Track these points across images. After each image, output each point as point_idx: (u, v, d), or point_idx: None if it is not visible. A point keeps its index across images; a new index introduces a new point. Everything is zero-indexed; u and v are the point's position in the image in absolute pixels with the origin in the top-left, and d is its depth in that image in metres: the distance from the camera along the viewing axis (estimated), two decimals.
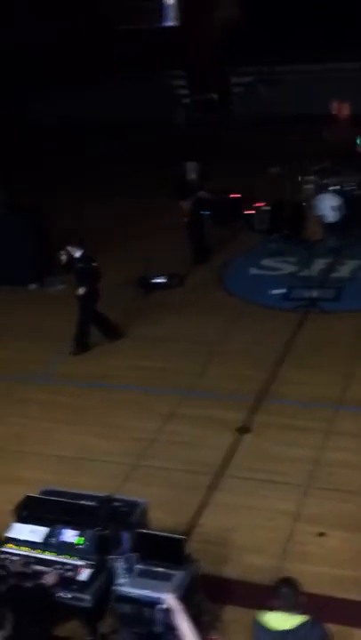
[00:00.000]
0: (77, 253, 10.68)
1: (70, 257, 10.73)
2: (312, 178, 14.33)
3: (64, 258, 10.78)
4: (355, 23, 20.26)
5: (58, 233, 14.01)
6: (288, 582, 4.96)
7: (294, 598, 4.88)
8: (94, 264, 10.75)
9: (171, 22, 23.41)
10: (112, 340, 11.09)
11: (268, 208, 14.38)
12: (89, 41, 22.43)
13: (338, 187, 14.24)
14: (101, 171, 18.98)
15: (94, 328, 11.03)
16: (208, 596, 6.13)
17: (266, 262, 13.49)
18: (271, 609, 4.89)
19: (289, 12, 20.94)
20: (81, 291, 10.66)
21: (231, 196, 15.21)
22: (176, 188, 13.45)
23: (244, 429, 8.82)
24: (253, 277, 13.09)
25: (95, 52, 22.40)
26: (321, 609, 5.06)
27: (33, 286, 13.09)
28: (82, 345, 10.94)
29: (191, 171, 13.32)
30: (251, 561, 6.83)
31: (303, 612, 4.84)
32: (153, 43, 22.60)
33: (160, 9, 23.32)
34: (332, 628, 5.10)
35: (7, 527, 6.40)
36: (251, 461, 8.26)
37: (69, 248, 10.70)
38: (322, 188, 14.22)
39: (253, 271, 13.28)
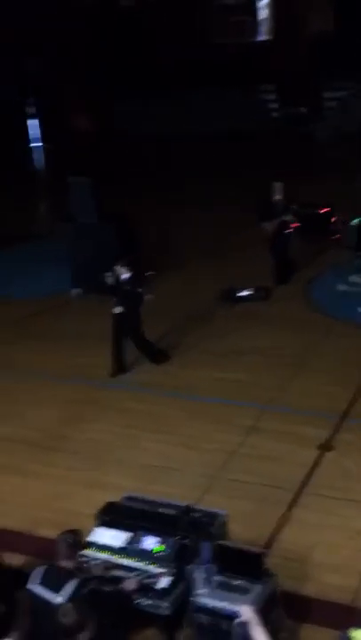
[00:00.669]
0: (125, 275, 10.41)
1: (117, 278, 10.45)
2: None
3: (110, 279, 10.47)
4: None
5: (145, 242, 14.31)
6: None
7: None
8: (140, 289, 10.51)
9: (263, 36, 23.48)
10: (114, 374, 10.69)
11: (357, 223, 14.18)
12: (180, 52, 22.75)
13: None
14: (189, 182, 19.12)
15: (111, 352, 10.67)
16: (286, 612, 6.06)
17: (354, 278, 13.30)
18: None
19: None
20: (118, 309, 10.41)
21: (320, 210, 15.09)
22: (260, 210, 13.31)
23: (326, 447, 8.69)
24: (341, 294, 12.92)
25: (186, 63, 22.70)
26: None
27: None
28: (156, 355, 10.90)
29: (276, 191, 13.16)
30: (330, 580, 6.71)
31: None
32: (244, 56, 22.74)
33: (255, 23, 23.42)
34: None
35: (89, 531, 6.49)
36: (333, 479, 8.13)
37: (117, 268, 10.43)
38: None
39: (341, 287, 13.12)
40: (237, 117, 22.89)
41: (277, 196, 13.14)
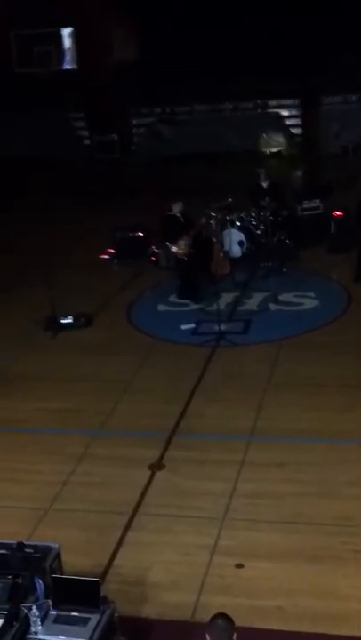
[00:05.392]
0: None
1: None
2: (215, 214, 14.55)
3: None
4: (248, 65, 20.96)
5: None
6: (223, 617, 4.97)
7: (228, 633, 4.87)
8: None
9: (69, 65, 23.64)
10: None
11: (169, 245, 14.44)
12: None
13: (241, 222, 14.55)
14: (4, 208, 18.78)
15: None
16: (127, 636, 5.99)
17: (173, 298, 13.56)
18: None
19: (188, 55, 21.43)
20: None
21: (133, 233, 15.33)
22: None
23: (157, 466, 8.74)
24: (162, 313, 13.12)
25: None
26: None
27: None
28: None
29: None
30: (168, 598, 6.72)
31: None
32: (53, 84, 22.77)
33: (59, 52, 23.55)
34: None
35: None
36: (165, 498, 8.18)
37: None
38: (225, 224, 14.48)
39: (162, 307, 13.33)
40: (49, 145, 22.84)
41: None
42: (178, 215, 13.32)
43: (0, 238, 16.52)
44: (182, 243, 13.12)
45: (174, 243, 13.21)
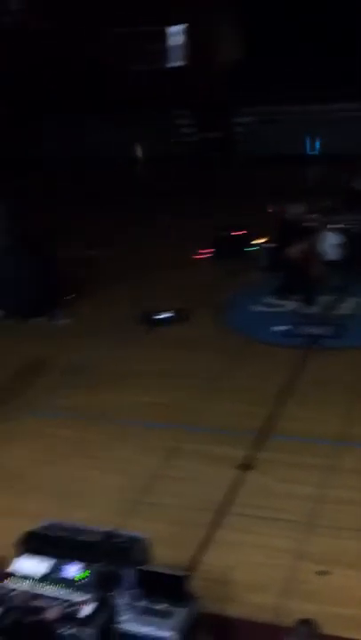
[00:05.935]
0: None
1: None
2: (314, 216, 14.48)
3: None
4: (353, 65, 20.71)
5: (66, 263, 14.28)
6: (308, 623, 5.01)
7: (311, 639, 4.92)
8: None
9: (177, 63, 23.87)
10: None
11: (271, 245, 14.48)
12: (97, 79, 22.94)
13: (340, 225, 14.41)
14: (110, 205, 19.14)
15: None
16: (209, 633, 6.08)
17: (268, 299, 13.56)
18: None
19: (291, 53, 21.33)
20: None
21: (234, 232, 15.38)
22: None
23: (246, 466, 8.80)
24: (256, 314, 13.16)
25: (103, 90, 22.89)
26: None
27: (38, 320, 13.13)
28: None
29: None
30: (252, 599, 6.77)
31: None
32: (159, 82, 23.05)
33: (167, 50, 23.81)
34: None
35: (8, 562, 6.37)
36: (253, 498, 8.23)
37: None
38: (323, 227, 14.37)
39: (256, 308, 13.35)
40: (154, 142, 23.12)
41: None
42: (295, 219, 13.28)
43: (101, 236, 16.84)
44: (299, 248, 13.11)
45: (290, 246, 13.19)
